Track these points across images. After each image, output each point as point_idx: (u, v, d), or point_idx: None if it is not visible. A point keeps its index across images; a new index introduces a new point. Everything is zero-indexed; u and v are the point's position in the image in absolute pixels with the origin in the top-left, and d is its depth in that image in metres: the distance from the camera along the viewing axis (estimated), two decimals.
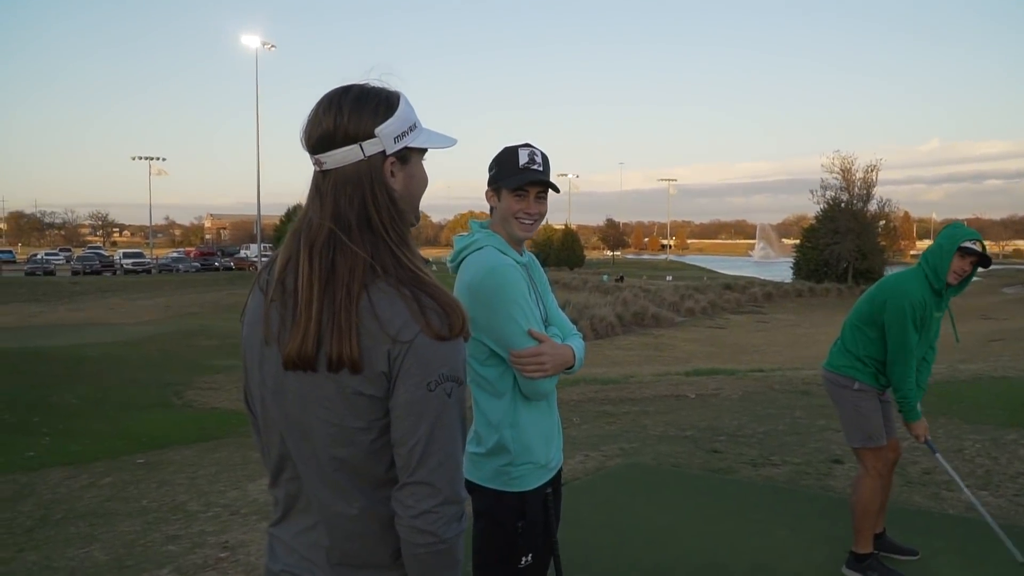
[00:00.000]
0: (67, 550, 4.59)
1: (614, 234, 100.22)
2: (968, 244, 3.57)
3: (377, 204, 1.33)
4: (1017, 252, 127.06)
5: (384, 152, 1.34)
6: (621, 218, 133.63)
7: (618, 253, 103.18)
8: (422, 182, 1.43)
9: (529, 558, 2.13)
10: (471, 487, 2.16)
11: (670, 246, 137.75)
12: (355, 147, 1.32)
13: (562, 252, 73.63)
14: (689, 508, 4.75)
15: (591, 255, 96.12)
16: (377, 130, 1.32)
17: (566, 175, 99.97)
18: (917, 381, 3.70)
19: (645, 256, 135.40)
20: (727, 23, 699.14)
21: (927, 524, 4.43)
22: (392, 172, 1.36)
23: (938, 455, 3.95)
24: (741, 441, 6.59)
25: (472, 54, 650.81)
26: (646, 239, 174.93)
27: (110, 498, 5.97)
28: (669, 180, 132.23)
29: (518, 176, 2.16)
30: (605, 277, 51.15)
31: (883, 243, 56.43)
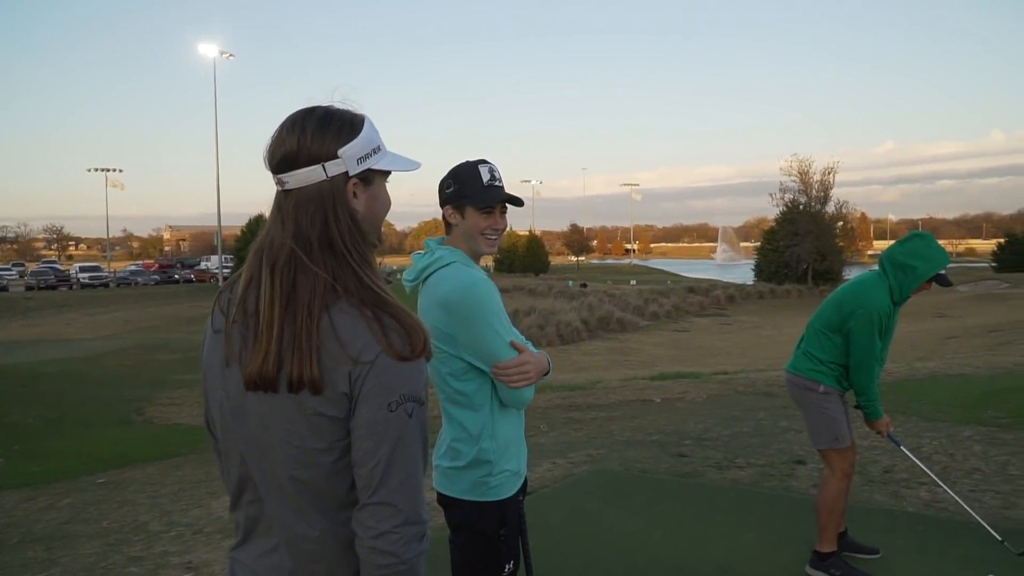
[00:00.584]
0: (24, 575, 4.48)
1: (578, 239, 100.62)
2: (943, 273, 3.66)
3: (339, 224, 1.33)
4: (970, 251, 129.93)
5: (347, 173, 1.34)
6: (585, 223, 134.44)
7: (583, 258, 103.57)
8: (385, 204, 1.43)
9: (511, 565, 2.17)
10: (448, 502, 2.17)
11: (634, 250, 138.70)
12: (318, 167, 1.32)
13: (527, 258, 73.80)
14: (657, 513, 4.78)
15: (556, 261, 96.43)
16: (340, 151, 1.33)
17: (529, 181, 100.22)
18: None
19: (609, 261, 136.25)
20: (684, 28, 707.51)
21: (888, 522, 4.52)
22: (355, 193, 1.36)
23: (903, 448, 4.04)
24: (707, 444, 6.66)
25: (432, 65, 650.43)
26: (610, 244, 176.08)
27: (69, 520, 5.84)
28: (632, 185, 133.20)
29: (485, 194, 2.17)
30: (571, 283, 51.37)
31: (841, 244, 57.39)
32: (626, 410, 8.73)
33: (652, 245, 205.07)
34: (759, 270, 57.66)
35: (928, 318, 31.53)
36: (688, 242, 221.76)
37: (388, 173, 1.42)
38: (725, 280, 57.81)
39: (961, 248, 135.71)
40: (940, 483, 4.23)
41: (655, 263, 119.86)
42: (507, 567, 2.16)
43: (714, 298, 43.14)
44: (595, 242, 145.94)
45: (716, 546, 4.21)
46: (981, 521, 4.00)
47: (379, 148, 1.38)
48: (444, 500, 2.20)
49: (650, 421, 7.85)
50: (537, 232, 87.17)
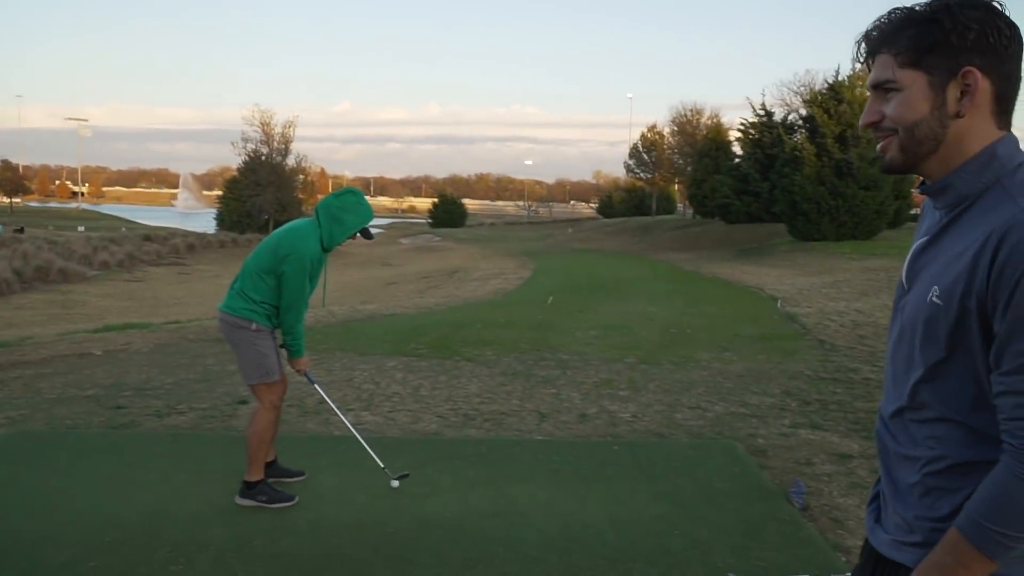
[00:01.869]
0: None
1: (12, 178, 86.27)
2: (368, 227, 4.15)
3: None
4: (411, 208, 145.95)
5: None
6: (20, 160, 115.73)
7: (17, 200, 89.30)
8: None
9: None
10: None
11: (83, 193, 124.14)
12: None
13: None
14: (83, 469, 4.45)
15: None
16: None
17: None
18: None
19: (53, 204, 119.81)
20: None
21: (316, 446, 4.92)
22: None
23: (316, 385, 4.40)
24: (148, 394, 6.39)
25: None
26: (54, 185, 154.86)
27: None
28: (79, 120, 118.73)
29: None
30: (1, 228, 43.99)
31: (301, 196, 59.45)
32: (60, 365, 7.87)
33: (105, 189, 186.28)
34: (221, 219, 56.66)
35: (376, 267, 34.74)
36: (146, 187, 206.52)
37: None
38: (186, 228, 55.50)
39: (405, 205, 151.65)
40: (337, 411, 4.71)
41: (108, 208, 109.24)
42: None
43: (173, 247, 41.12)
44: (34, 182, 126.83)
45: (146, 492, 4.10)
46: (367, 448, 4.45)
47: None
48: None
49: (87, 376, 7.22)
50: None
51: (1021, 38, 1.24)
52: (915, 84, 1.27)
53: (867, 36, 1.33)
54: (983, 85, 1.24)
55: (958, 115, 1.25)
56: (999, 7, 1.24)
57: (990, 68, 1.23)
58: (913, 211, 29.94)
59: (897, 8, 1.30)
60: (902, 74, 1.28)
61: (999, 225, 1.17)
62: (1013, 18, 1.24)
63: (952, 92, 1.25)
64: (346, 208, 4.04)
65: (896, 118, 1.29)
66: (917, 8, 1.27)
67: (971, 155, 1.26)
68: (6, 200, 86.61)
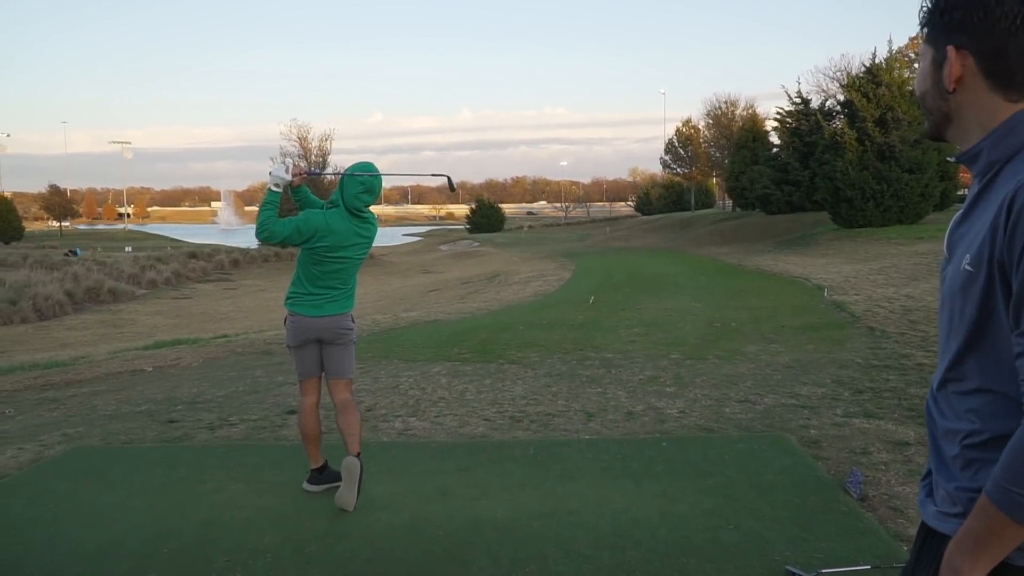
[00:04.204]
0: None
1: (60, 202, 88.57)
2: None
3: None
4: (450, 215, 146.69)
5: None
6: (68, 184, 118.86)
7: (67, 224, 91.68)
8: None
9: None
10: None
11: (128, 215, 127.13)
12: None
13: None
14: (139, 482, 4.55)
15: (34, 227, 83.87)
16: None
17: None
18: None
19: (100, 226, 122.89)
20: None
21: (365, 453, 4.95)
22: None
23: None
24: (200, 407, 6.51)
25: None
26: (100, 208, 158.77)
27: None
28: (123, 143, 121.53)
29: None
30: (79, 251, 45.54)
31: None
32: (113, 383, 8.07)
33: (150, 209, 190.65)
34: None
35: (416, 275, 34.98)
36: (190, 205, 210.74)
37: None
38: (229, 244, 56.48)
39: (443, 212, 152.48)
40: None
41: (153, 228, 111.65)
42: None
43: (218, 263, 41.87)
44: (82, 205, 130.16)
45: (201, 503, 4.17)
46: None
47: None
48: None
49: (139, 391, 7.38)
50: (7, 194, 74.63)
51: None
52: (926, 58, 1.37)
53: (919, 13, 1.41)
54: (965, 62, 1.29)
55: (948, 91, 1.32)
56: None
57: (973, 46, 1.28)
58: (960, 192, 29.24)
59: None
60: (922, 49, 1.39)
61: (1013, 186, 1.19)
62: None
63: (945, 69, 1.32)
64: (355, 170, 4.24)
65: (916, 87, 1.42)
66: None
67: (992, 126, 1.30)
68: (56, 224, 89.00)
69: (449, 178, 4.64)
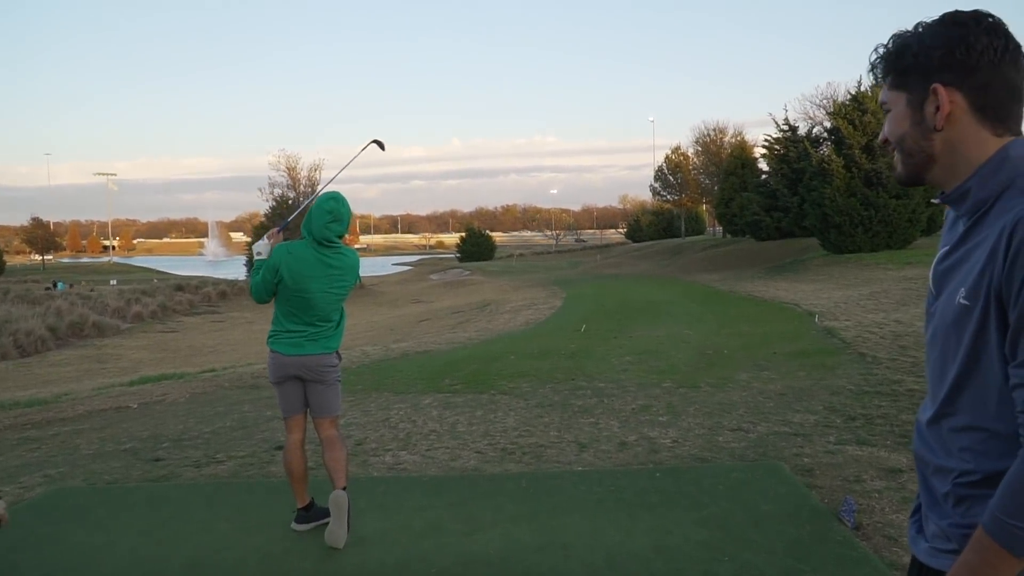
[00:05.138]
0: None
1: (43, 235, 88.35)
2: None
3: None
4: (440, 244, 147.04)
5: None
6: (51, 217, 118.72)
7: (50, 257, 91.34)
8: None
9: None
10: None
11: (113, 247, 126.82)
12: None
13: None
14: (124, 523, 4.49)
15: (15, 260, 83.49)
16: None
17: None
18: None
19: (85, 259, 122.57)
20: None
21: (355, 489, 4.91)
22: None
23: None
24: (186, 444, 6.46)
25: None
26: (84, 240, 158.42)
27: None
28: (108, 175, 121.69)
29: None
30: (62, 285, 45.32)
31: None
32: (96, 420, 8.00)
33: (136, 241, 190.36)
34: (251, 265, 57.53)
35: (407, 304, 34.95)
36: (177, 237, 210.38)
37: None
38: (217, 276, 56.39)
39: (433, 241, 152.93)
40: None
41: (139, 260, 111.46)
42: None
43: (205, 295, 41.82)
44: (65, 238, 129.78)
45: (188, 543, 4.13)
46: None
47: None
48: None
49: (124, 429, 7.32)
50: None
51: (1007, 46, 1.30)
52: (899, 103, 1.39)
53: (872, 64, 1.45)
54: (954, 98, 1.32)
55: (936, 128, 1.34)
56: (977, 21, 1.30)
57: (960, 83, 1.32)
58: None
59: (892, 35, 1.42)
60: (891, 95, 1.42)
61: (1010, 220, 1.22)
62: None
63: (929, 108, 1.34)
64: (320, 201, 4.23)
65: (889, 134, 1.43)
66: (897, 35, 1.40)
67: (980, 161, 1.32)
68: (38, 258, 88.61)
69: (378, 141, 4.75)
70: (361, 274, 4.42)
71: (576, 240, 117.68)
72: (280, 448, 6.05)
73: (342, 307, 4.30)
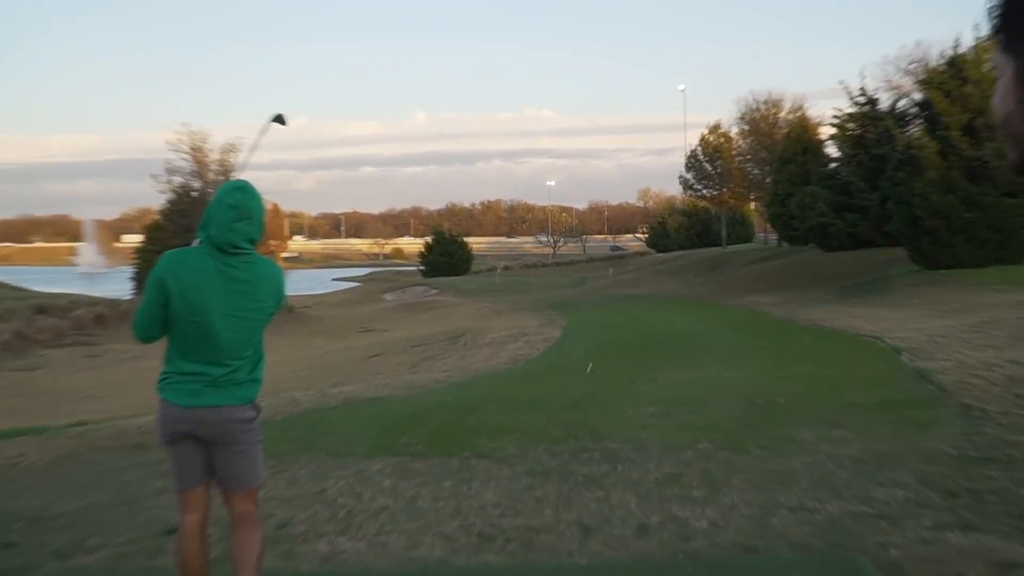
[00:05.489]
0: None
1: None
2: None
3: None
4: (397, 252, 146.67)
5: None
6: None
7: None
8: None
9: None
10: None
11: None
12: None
13: None
14: None
15: None
16: None
17: None
18: None
19: None
20: None
21: None
22: None
23: None
24: (47, 526, 6.40)
25: None
26: None
27: None
28: None
29: None
30: None
31: None
32: None
33: None
34: (140, 278, 57.31)
35: (352, 334, 34.92)
36: (43, 241, 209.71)
37: None
38: (93, 294, 56.16)
39: (388, 249, 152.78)
40: None
41: None
42: None
43: (76, 320, 41.52)
44: None
45: None
46: None
47: None
48: None
49: None
50: None
51: None
52: (1007, 71, 1.35)
53: (988, 10, 1.38)
54: None
55: None
56: None
57: None
58: None
59: None
60: (999, 58, 1.37)
61: None
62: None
63: None
64: (222, 192, 4.18)
65: (995, 109, 1.40)
66: None
67: None
68: None
69: (279, 117, 4.85)
70: (288, 293, 4.34)
71: (612, 248, 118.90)
72: (172, 532, 5.97)
73: (260, 339, 4.16)
